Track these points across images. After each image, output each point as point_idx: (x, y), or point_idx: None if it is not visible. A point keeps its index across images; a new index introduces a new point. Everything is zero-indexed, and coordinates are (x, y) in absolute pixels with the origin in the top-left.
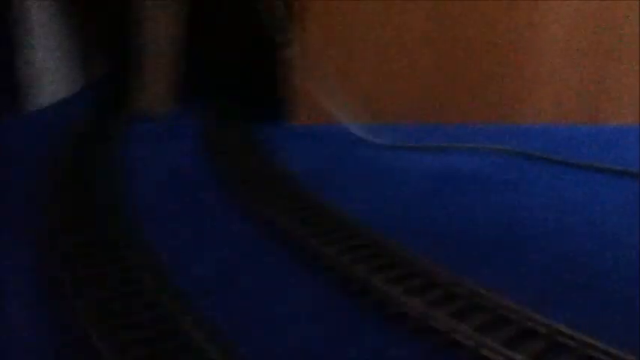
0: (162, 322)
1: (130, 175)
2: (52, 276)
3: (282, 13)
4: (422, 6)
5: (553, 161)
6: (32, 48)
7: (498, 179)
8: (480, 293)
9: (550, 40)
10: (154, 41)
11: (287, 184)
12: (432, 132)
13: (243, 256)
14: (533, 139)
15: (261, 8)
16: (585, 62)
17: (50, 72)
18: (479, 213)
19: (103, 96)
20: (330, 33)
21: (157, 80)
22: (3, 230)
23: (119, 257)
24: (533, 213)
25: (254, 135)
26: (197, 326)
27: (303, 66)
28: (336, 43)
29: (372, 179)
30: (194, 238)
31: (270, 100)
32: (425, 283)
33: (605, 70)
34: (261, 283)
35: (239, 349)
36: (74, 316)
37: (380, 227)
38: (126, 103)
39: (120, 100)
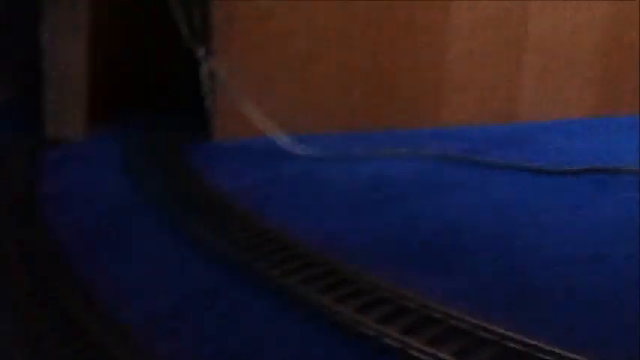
0: None
1: (54, 204)
2: None
3: (200, 25)
4: (340, 15)
5: (475, 163)
6: None
7: (428, 184)
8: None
9: (459, 47)
10: (63, 67)
11: (221, 205)
12: (355, 141)
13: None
14: (453, 142)
15: (179, 20)
16: (492, 65)
17: None
18: (417, 219)
19: (11, 120)
20: (250, 45)
21: (67, 105)
22: None
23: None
24: (468, 216)
25: (181, 154)
26: None
27: (225, 79)
28: (256, 55)
29: (306, 193)
30: (134, 270)
31: (196, 116)
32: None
33: (516, 70)
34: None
35: None
36: None
37: (322, 243)
38: (37, 127)
39: (31, 125)
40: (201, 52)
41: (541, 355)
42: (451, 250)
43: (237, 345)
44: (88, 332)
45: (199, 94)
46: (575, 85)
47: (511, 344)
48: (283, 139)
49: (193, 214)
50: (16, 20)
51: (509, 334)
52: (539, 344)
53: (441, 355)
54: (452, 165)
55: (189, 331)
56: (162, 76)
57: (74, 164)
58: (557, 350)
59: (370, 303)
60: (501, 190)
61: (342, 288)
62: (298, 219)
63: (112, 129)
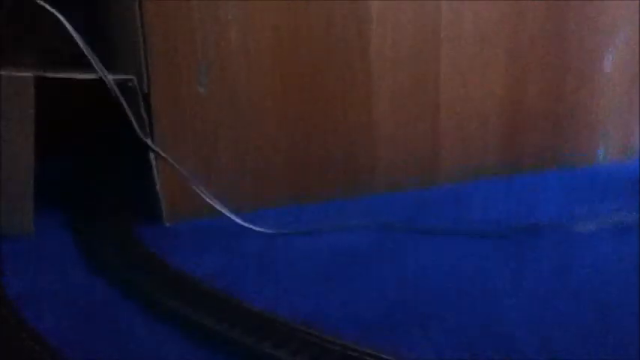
0: None
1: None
2: None
3: (145, 113)
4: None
5: (416, 230)
6: None
7: (381, 254)
8: None
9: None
10: (10, 160)
11: (193, 288)
12: (296, 215)
13: None
14: (390, 209)
15: (127, 111)
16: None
17: None
18: (382, 287)
19: None
20: (193, 128)
21: (14, 197)
22: None
23: None
24: (423, 282)
25: (137, 240)
26: None
27: (167, 161)
28: (200, 137)
29: (272, 270)
30: None
31: (145, 201)
32: None
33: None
34: None
35: None
36: None
37: (303, 316)
38: None
39: None
40: (148, 139)
41: None
42: (416, 315)
43: None
44: None
45: (141, 177)
46: (481, 148)
47: None
48: (234, 218)
49: (169, 300)
50: None
51: None
52: None
53: None
54: (397, 232)
55: None
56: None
57: (30, 259)
58: None
59: None
60: (444, 255)
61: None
62: (272, 296)
63: (57, 217)
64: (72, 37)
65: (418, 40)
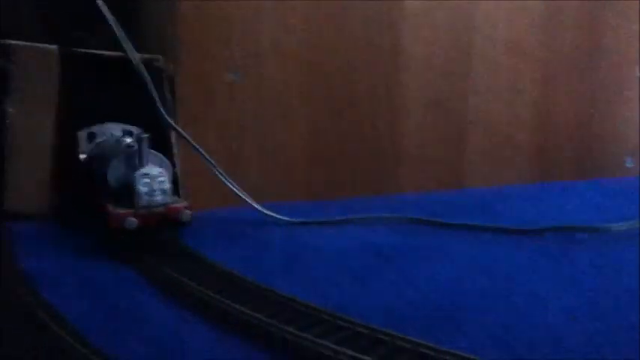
0: None
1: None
2: None
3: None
4: (304, 84)
5: (444, 225)
6: None
7: (409, 247)
8: None
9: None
10: (28, 139)
11: (221, 275)
12: (322, 208)
13: None
14: (415, 207)
15: (153, 94)
16: (443, 135)
17: None
18: (412, 281)
19: None
20: (218, 119)
21: (31, 178)
22: None
23: None
24: (454, 276)
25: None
26: None
27: (190, 145)
28: (225, 127)
29: (298, 259)
30: None
31: None
32: None
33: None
34: None
35: None
36: None
37: (334, 307)
38: None
39: None
40: (172, 124)
41: None
42: (449, 310)
43: None
44: None
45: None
46: (511, 154)
47: None
48: (258, 207)
49: (196, 287)
50: None
51: None
52: None
53: None
54: (424, 228)
55: None
56: None
57: (47, 240)
58: None
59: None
60: (476, 251)
61: (379, 348)
62: (301, 285)
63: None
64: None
65: (452, 41)
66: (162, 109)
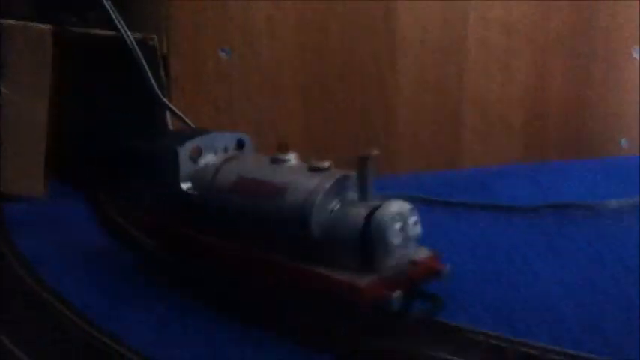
0: None
1: None
2: None
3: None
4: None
5: (444, 204)
6: None
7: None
8: None
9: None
10: (23, 121)
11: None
12: None
13: None
14: (415, 187)
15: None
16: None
17: None
18: None
19: None
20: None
21: (26, 159)
22: None
23: None
24: (459, 255)
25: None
26: None
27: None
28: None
29: None
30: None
31: None
32: None
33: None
34: None
35: None
36: None
37: None
38: None
39: None
40: (164, 100)
41: None
42: (450, 286)
43: None
44: None
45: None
46: (504, 135)
47: None
48: None
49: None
50: None
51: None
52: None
53: None
54: (421, 206)
55: None
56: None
57: (44, 221)
58: None
59: None
60: (473, 228)
61: None
62: None
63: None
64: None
65: (446, 23)
66: (156, 89)
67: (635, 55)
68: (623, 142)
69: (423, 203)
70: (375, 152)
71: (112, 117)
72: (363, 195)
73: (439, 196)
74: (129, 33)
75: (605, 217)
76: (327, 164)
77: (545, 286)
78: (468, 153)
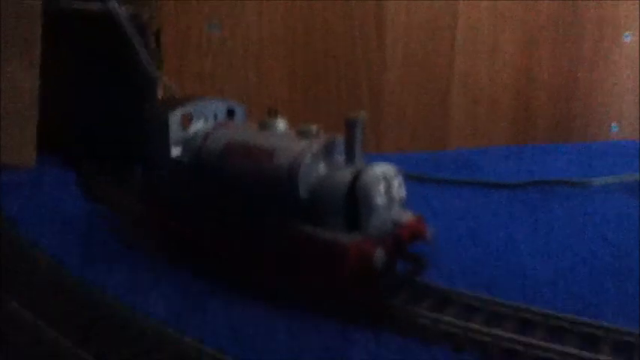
0: None
1: None
2: None
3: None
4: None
5: (430, 180)
6: None
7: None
8: None
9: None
10: (13, 92)
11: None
12: None
13: None
14: (402, 164)
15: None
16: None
17: None
18: None
19: None
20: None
21: (16, 129)
22: None
23: None
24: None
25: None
26: None
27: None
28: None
29: None
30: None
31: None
32: None
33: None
34: None
35: None
36: None
37: None
38: None
39: None
40: (157, 73)
41: None
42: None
43: None
44: None
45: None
46: (493, 117)
47: None
48: None
49: None
50: None
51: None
52: None
53: None
54: (408, 182)
55: None
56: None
57: (35, 188)
58: None
59: None
60: (459, 202)
61: None
62: None
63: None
64: None
65: (436, 2)
66: (148, 62)
67: (626, 40)
68: (614, 127)
69: (408, 179)
70: (363, 113)
71: (102, 91)
72: (350, 158)
73: (425, 173)
74: (119, 7)
75: (589, 194)
76: (314, 128)
77: (524, 255)
78: (455, 134)
